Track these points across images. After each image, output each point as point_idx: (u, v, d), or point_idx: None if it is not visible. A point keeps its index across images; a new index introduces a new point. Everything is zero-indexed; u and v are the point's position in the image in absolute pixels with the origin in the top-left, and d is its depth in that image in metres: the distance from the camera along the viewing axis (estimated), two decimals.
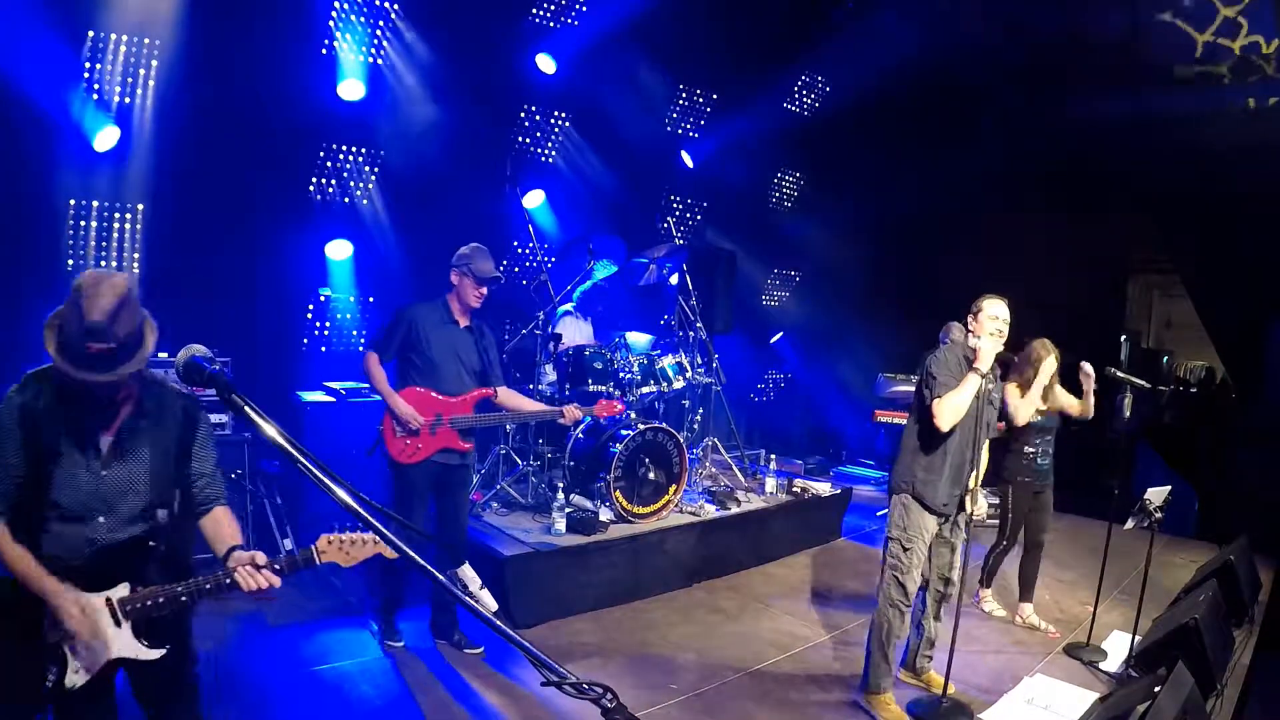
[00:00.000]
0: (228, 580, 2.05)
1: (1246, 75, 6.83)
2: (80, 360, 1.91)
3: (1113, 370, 4.44)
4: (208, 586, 2.06)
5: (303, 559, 2.09)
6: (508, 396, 4.17)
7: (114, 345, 1.92)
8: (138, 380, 2.09)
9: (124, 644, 2.03)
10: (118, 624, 2.02)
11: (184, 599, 2.06)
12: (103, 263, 4.99)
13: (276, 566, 2.07)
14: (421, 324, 3.93)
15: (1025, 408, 4.33)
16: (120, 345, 1.94)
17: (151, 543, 2.11)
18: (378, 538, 1.95)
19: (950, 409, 3.46)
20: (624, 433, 5.16)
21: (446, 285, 4.04)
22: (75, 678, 1.98)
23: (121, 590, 2.04)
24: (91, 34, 4.65)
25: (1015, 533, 4.82)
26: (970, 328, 3.63)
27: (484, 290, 3.99)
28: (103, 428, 2.08)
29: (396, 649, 4.06)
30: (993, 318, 3.56)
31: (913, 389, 3.84)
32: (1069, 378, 4.63)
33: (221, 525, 2.22)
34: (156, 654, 2.07)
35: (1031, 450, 4.68)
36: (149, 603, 2.03)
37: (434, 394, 3.91)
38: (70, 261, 4.89)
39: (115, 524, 2.07)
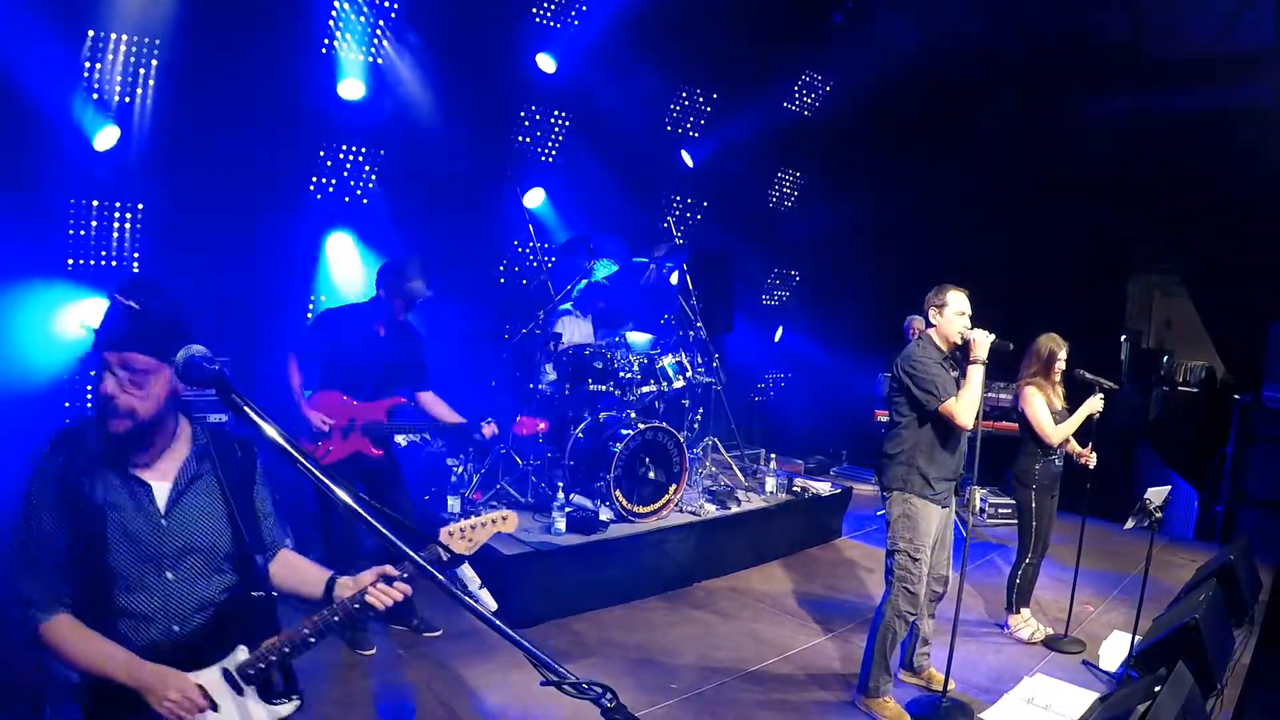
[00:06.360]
0: (357, 606, 1.85)
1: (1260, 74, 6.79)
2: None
3: (1081, 372, 4.44)
4: (336, 619, 1.84)
5: (430, 559, 1.82)
6: (431, 402, 4.12)
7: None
8: (176, 413, 1.93)
9: (255, 715, 1.78)
10: (240, 693, 1.77)
11: (312, 641, 1.82)
12: (103, 263, 4.98)
13: (405, 575, 1.87)
14: (344, 329, 3.96)
15: (1060, 433, 4.33)
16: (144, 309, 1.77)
17: (256, 593, 1.89)
18: (498, 516, 1.97)
19: (969, 407, 3.45)
20: (624, 432, 5.15)
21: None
22: None
23: (238, 655, 1.80)
24: (91, 34, 4.64)
25: (1043, 544, 4.54)
26: (933, 320, 3.64)
27: (412, 307, 4.06)
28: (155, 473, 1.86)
29: (368, 655, 3.93)
30: (960, 313, 3.59)
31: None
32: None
33: (299, 564, 2.06)
34: (294, 706, 1.85)
35: (1053, 454, 4.47)
36: (274, 658, 1.79)
37: (347, 398, 3.92)
38: (70, 261, 4.89)
39: (202, 580, 1.84)
